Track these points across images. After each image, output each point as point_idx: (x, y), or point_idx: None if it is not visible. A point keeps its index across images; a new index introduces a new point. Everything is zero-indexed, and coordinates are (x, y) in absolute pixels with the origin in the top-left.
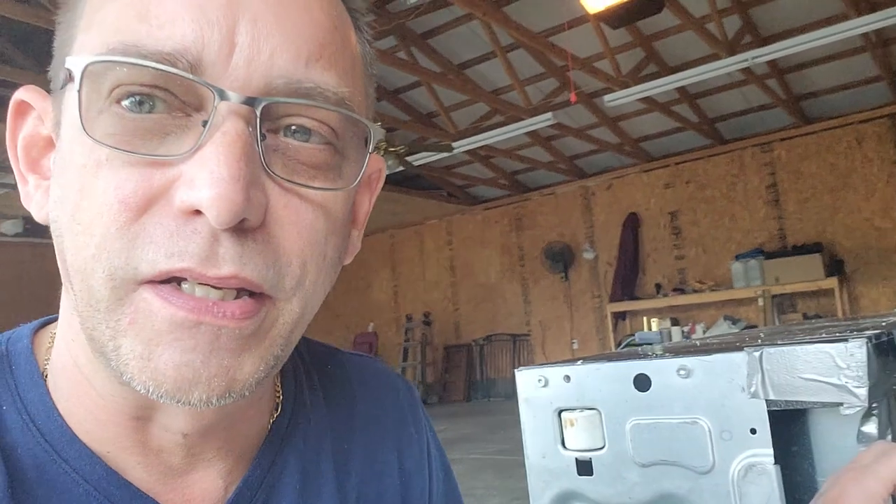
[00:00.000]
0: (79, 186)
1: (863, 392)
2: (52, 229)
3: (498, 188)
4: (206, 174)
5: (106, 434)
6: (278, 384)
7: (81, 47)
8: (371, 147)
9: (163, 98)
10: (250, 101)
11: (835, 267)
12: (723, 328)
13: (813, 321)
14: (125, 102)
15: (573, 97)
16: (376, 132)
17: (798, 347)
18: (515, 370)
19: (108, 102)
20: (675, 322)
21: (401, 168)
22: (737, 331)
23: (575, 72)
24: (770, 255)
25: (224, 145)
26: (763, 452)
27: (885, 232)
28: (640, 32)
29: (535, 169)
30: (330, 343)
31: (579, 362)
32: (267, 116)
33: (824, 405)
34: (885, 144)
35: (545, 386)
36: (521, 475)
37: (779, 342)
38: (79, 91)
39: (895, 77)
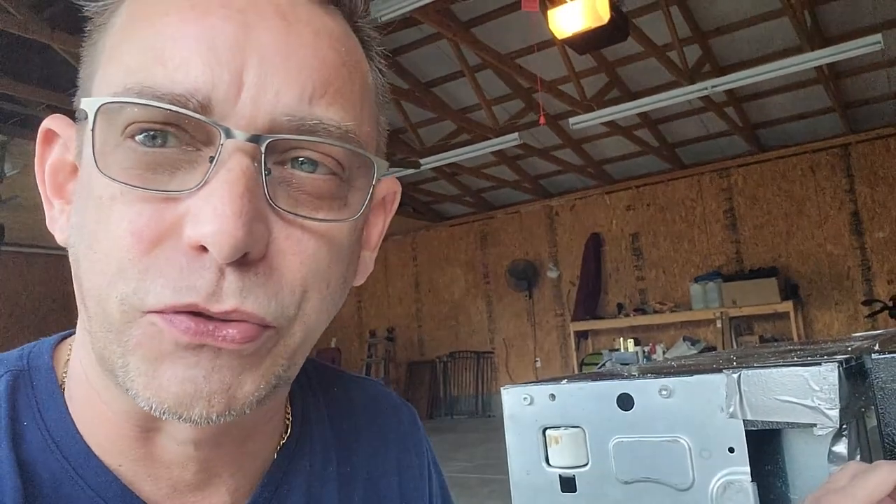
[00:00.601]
0: (96, 217)
1: (834, 414)
2: (69, 253)
3: (463, 205)
4: (209, 210)
5: (117, 446)
6: (288, 406)
7: (101, 83)
8: (375, 180)
9: (174, 133)
10: (255, 139)
11: (790, 291)
12: (682, 349)
13: (774, 344)
14: (139, 137)
15: (542, 119)
16: (380, 166)
17: (774, 370)
18: (501, 388)
19: (122, 137)
20: (636, 342)
21: None
22: (696, 352)
23: (541, 94)
24: (728, 278)
25: (228, 182)
26: (740, 471)
27: (837, 258)
28: (604, 58)
29: (500, 187)
30: None
31: (564, 381)
32: (273, 151)
33: (798, 426)
34: (837, 173)
35: (530, 404)
36: (486, 494)
37: (755, 364)
38: (92, 130)
39: (846, 109)
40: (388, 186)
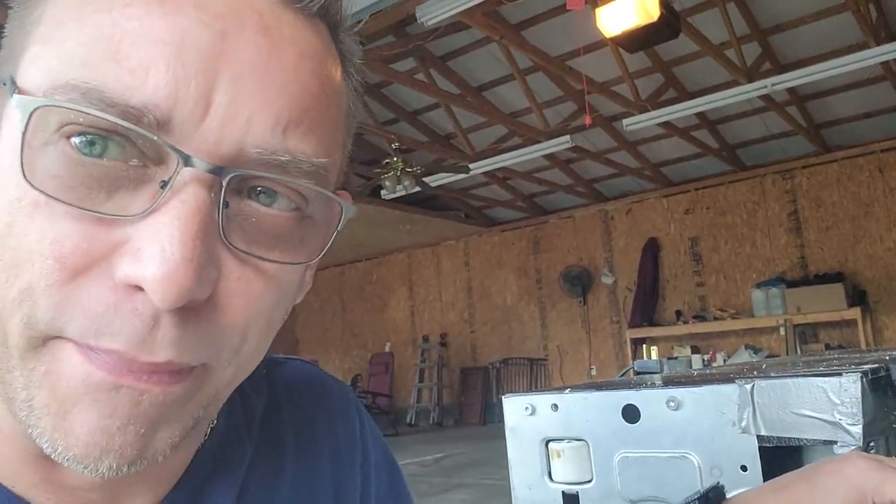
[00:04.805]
0: (8, 220)
1: (857, 430)
2: None
3: (515, 210)
4: (155, 250)
5: (10, 470)
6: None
7: (34, 63)
8: (340, 225)
9: (119, 143)
10: (217, 171)
11: (857, 297)
12: (744, 357)
13: (827, 352)
14: (75, 140)
15: (588, 120)
16: (348, 210)
17: (790, 381)
18: (503, 397)
19: (56, 135)
20: (695, 350)
21: (418, 189)
22: (757, 360)
23: (594, 95)
24: (791, 284)
25: (181, 218)
26: None
27: None
28: (659, 57)
29: (553, 191)
30: (349, 361)
31: (567, 391)
32: (232, 184)
33: (817, 443)
34: None
35: (532, 414)
36: None
37: (772, 375)
38: (23, 135)
39: None
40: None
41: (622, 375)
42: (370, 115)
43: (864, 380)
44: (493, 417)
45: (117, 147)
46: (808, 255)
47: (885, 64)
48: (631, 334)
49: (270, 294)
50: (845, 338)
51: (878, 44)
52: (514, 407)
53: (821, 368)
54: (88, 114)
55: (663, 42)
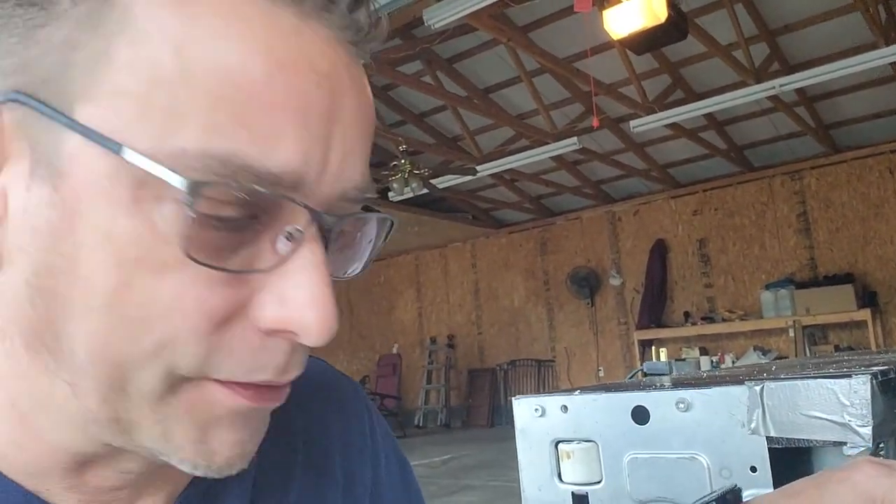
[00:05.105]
0: (124, 279)
1: (867, 431)
2: (10, 292)
3: (523, 212)
4: (306, 298)
5: (43, 474)
6: None
7: (120, 106)
8: (387, 237)
9: (246, 203)
10: (334, 222)
11: (867, 298)
12: (752, 358)
13: (837, 354)
14: (207, 202)
15: (595, 122)
16: (391, 223)
17: (800, 382)
18: (513, 398)
19: (188, 197)
20: (703, 351)
21: (425, 191)
22: (766, 361)
23: (601, 97)
24: (800, 285)
25: (316, 266)
26: (763, 492)
27: None
28: (666, 59)
29: (560, 193)
30: (357, 363)
31: (577, 392)
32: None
33: (827, 444)
34: None
35: (542, 416)
36: None
37: (782, 376)
38: (193, 214)
39: None
40: None
41: (631, 377)
42: (377, 117)
43: (874, 381)
44: (500, 419)
45: (244, 207)
46: (817, 256)
47: (895, 65)
48: (639, 336)
49: None
50: (855, 339)
51: (888, 44)
52: (523, 408)
53: (830, 370)
54: (247, 187)
55: (671, 43)
